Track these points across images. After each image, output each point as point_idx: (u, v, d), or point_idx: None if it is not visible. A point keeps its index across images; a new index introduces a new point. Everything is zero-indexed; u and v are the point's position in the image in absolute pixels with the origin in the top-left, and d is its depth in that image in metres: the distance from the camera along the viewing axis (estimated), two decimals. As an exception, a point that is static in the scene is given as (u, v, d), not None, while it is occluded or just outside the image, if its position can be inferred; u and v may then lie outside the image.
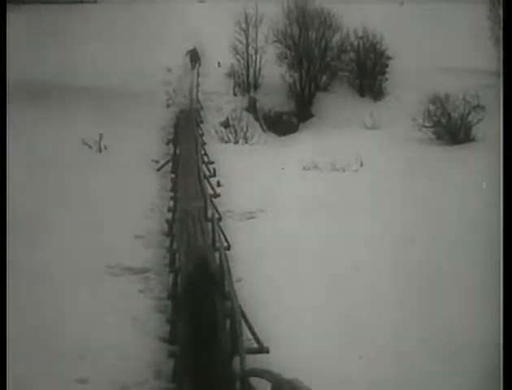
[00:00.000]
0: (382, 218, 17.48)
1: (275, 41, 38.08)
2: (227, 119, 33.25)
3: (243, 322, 10.28)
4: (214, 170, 22.13)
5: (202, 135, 28.46)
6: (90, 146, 24.04)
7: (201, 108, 34.29)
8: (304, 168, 23.17)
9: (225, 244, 14.48)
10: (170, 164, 22.63)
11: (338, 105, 36.24)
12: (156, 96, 34.55)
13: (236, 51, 38.73)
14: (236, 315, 10.22)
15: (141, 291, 13.46)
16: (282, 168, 23.32)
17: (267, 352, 10.28)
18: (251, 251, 15.01)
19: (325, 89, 37.93)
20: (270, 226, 17.14)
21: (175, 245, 14.39)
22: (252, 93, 37.51)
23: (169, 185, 20.31)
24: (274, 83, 37.27)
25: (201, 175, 19.66)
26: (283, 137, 33.61)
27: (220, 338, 9.40)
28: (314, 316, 12.07)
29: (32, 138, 23.37)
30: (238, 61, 38.74)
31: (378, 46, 38.64)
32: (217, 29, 39.63)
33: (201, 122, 31.59)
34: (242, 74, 38.52)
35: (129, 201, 18.39)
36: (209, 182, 19.90)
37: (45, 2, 47.94)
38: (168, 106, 34.10)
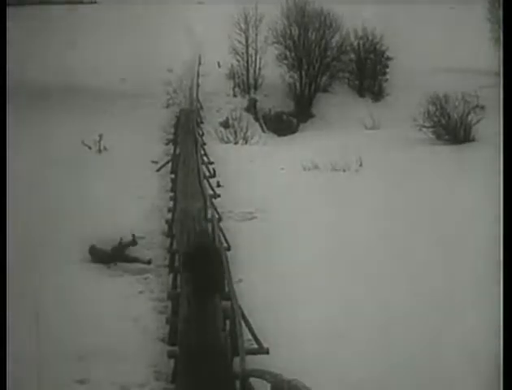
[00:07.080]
0: (382, 219, 17.48)
1: (274, 42, 38.07)
2: (227, 119, 33.28)
3: (243, 323, 10.28)
4: (214, 170, 22.10)
5: (202, 135, 28.43)
6: (90, 147, 24.01)
7: (201, 108, 34.28)
8: (304, 169, 23.13)
9: (225, 244, 14.47)
10: (169, 164, 22.61)
11: (338, 105, 36.28)
12: (156, 96, 34.55)
13: (235, 52, 38.73)
14: (236, 316, 10.21)
15: (141, 292, 13.47)
16: (282, 169, 23.28)
17: (267, 352, 10.28)
18: (251, 252, 15.00)
19: (325, 90, 37.95)
20: (270, 226, 17.12)
21: (175, 246, 14.38)
22: (252, 94, 37.53)
23: (169, 186, 20.29)
24: (274, 83, 37.29)
25: (201, 175, 19.63)
26: (283, 138, 33.64)
27: (220, 337, 9.41)
28: (314, 316, 12.06)
29: (33, 138, 23.34)
30: (238, 61, 38.76)
31: (378, 47, 38.69)
32: (217, 30, 39.63)
33: (201, 122, 31.59)
34: (242, 74, 38.54)
35: (129, 202, 18.37)
36: (209, 182, 19.88)
37: (45, 3, 48.02)
38: (168, 106, 34.11)
